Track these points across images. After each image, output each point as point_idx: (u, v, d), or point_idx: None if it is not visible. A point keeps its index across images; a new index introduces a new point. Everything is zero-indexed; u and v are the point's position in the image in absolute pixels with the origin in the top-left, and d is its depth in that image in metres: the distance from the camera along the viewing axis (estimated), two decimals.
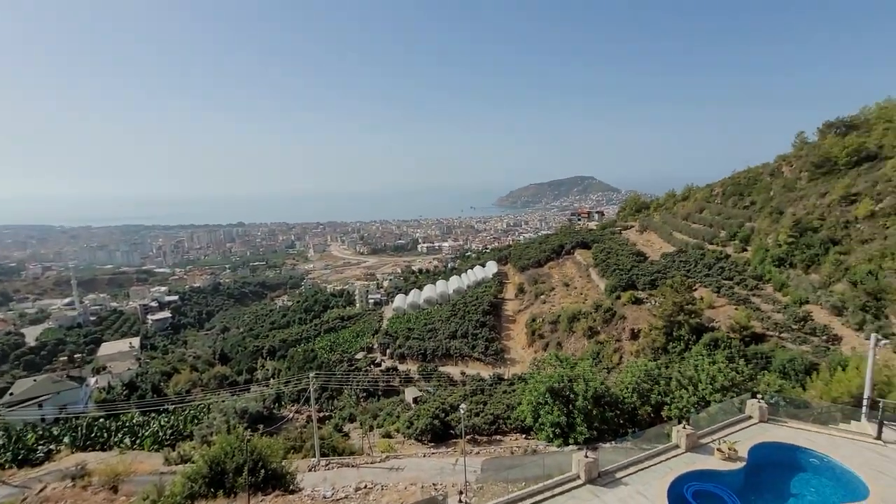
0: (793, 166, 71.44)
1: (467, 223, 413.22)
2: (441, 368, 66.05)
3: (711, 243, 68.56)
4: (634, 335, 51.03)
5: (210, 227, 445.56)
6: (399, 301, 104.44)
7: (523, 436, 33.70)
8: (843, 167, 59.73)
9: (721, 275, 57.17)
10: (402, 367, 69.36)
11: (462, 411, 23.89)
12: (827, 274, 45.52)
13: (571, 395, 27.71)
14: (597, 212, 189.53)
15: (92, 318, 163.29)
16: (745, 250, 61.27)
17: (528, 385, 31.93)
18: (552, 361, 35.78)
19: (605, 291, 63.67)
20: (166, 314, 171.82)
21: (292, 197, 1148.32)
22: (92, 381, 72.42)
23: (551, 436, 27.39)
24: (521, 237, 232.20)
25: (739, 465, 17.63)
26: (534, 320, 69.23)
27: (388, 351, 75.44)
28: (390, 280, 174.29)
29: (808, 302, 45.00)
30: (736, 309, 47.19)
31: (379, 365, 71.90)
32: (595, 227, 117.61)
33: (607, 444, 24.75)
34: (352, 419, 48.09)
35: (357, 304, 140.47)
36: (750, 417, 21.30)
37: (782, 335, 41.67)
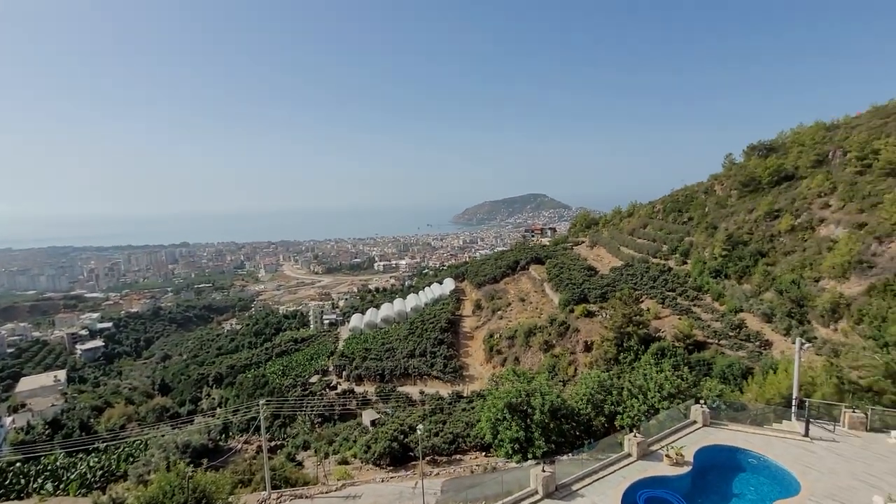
0: (724, 185, 77.49)
1: (424, 241, 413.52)
2: (399, 388, 64.85)
3: (655, 257, 72.54)
4: (588, 347, 52.64)
5: (150, 248, 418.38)
6: (356, 321, 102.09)
7: (483, 453, 33.58)
8: (766, 186, 65.46)
9: (665, 286, 60.46)
10: (359, 389, 67.44)
11: (420, 432, 23.45)
12: (757, 284, 49.29)
13: (529, 410, 27.99)
14: (549, 228, 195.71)
15: (10, 350, 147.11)
16: (686, 263, 65.30)
17: (487, 401, 31.96)
18: (510, 377, 36.11)
19: (559, 305, 65.45)
20: (98, 343, 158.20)
21: (241, 215, 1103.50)
22: (8, 420, 64.89)
23: (510, 452, 27.42)
24: (478, 254, 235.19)
25: (686, 469, 18.38)
26: (491, 336, 69.79)
27: (344, 373, 73.24)
28: (346, 299, 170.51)
29: (741, 310, 48.44)
30: (679, 319, 49.95)
31: (335, 388, 69.55)
32: (548, 243, 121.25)
33: (564, 457, 25.08)
34: (306, 447, 46.05)
35: (311, 326, 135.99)
36: (694, 422, 22.34)
37: (721, 342, 44.48)
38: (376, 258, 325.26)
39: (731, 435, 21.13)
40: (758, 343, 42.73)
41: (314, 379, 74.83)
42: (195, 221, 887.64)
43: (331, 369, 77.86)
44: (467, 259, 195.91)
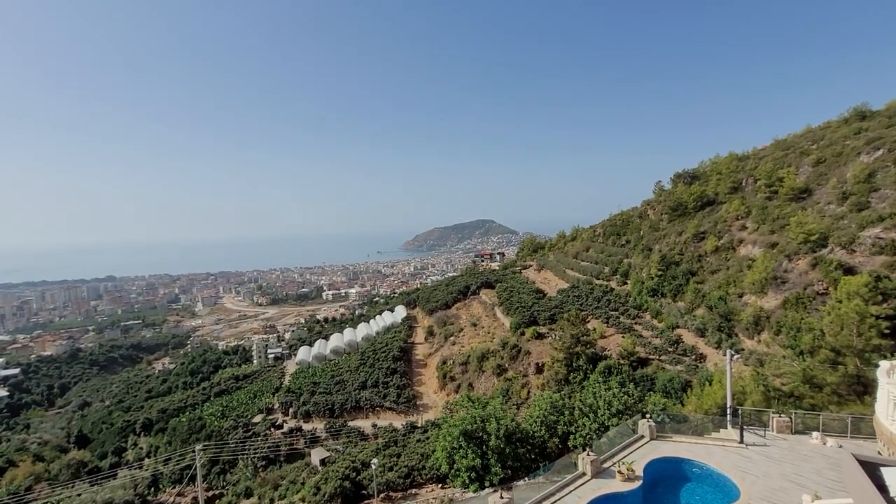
0: (655, 209, 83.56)
1: (374, 268, 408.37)
2: (351, 423, 62.17)
3: (598, 278, 76.02)
4: (539, 369, 53.43)
5: (69, 284, 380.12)
6: (303, 353, 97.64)
7: (439, 485, 32.64)
8: (692, 210, 71.31)
9: (608, 306, 63.25)
10: (307, 427, 63.86)
11: (374, 468, 22.48)
12: (689, 301, 52.87)
13: (484, 436, 27.73)
14: (498, 253, 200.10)
15: None
16: (626, 283, 68.94)
17: (442, 430, 31.36)
18: (464, 403, 35.80)
19: (511, 328, 66.38)
20: (1, 393, 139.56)
21: (178, 246, 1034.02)
22: None
23: (467, 481, 26.86)
24: (429, 280, 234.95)
25: (637, 483, 18.87)
26: (444, 363, 69.19)
27: (290, 410, 69.25)
28: (293, 331, 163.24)
29: (678, 326, 51.53)
30: (623, 337, 52.20)
31: (280, 427, 65.39)
32: (497, 268, 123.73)
33: (521, 482, 24.93)
34: (248, 494, 42.70)
35: (255, 361, 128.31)
36: (642, 437, 23.14)
37: (661, 357, 46.84)
38: (325, 287, 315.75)
39: (676, 447, 22.07)
40: (694, 357, 45.45)
41: (258, 418, 70.07)
42: (122, 254, 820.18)
43: (276, 407, 73.37)
44: (419, 285, 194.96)
